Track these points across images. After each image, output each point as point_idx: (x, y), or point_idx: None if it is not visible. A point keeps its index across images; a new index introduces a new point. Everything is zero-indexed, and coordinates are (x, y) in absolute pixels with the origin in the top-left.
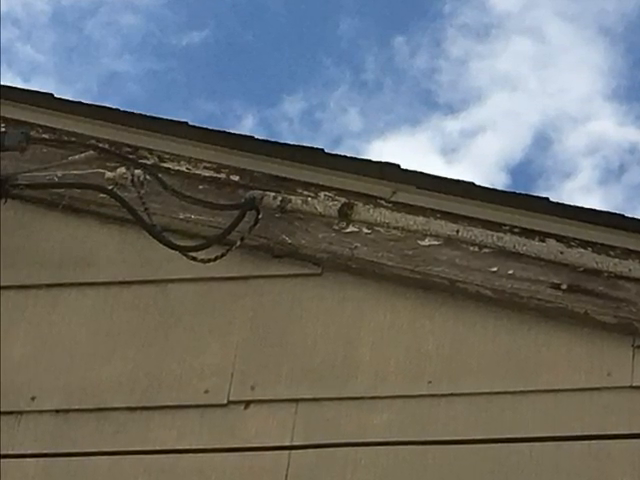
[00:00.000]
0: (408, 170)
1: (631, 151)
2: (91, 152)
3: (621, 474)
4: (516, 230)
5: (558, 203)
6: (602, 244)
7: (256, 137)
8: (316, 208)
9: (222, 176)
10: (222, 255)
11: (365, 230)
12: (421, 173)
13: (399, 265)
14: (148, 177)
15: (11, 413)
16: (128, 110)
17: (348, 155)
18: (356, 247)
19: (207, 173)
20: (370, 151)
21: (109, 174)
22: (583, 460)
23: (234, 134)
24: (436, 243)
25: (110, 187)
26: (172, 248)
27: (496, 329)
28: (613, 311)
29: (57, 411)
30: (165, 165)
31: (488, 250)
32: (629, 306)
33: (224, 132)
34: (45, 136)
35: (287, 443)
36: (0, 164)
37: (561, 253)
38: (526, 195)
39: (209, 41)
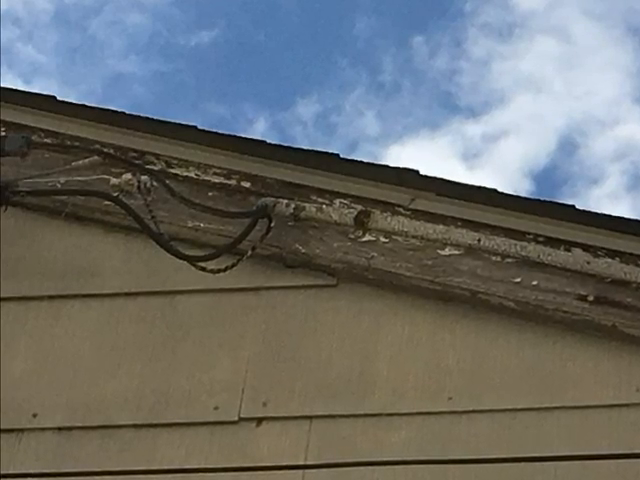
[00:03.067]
0: (427, 176)
1: None
2: (95, 157)
3: None
4: (540, 239)
5: (584, 211)
6: (630, 254)
7: (268, 142)
8: (331, 216)
9: (232, 182)
10: (233, 265)
11: (382, 239)
12: (441, 179)
13: (418, 276)
14: (155, 183)
15: (12, 431)
16: (134, 113)
17: (364, 160)
18: (373, 257)
19: (217, 179)
20: (387, 156)
21: (114, 180)
22: None
23: (245, 138)
24: (457, 253)
25: (115, 194)
26: (180, 258)
27: (520, 343)
28: None
29: (60, 429)
30: (173, 171)
31: (511, 260)
32: None
33: (235, 136)
34: (47, 141)
35: (301, 462)
36: (0, 170)
37: (588, 263)
38: (551, 202)
39: (219, 41)
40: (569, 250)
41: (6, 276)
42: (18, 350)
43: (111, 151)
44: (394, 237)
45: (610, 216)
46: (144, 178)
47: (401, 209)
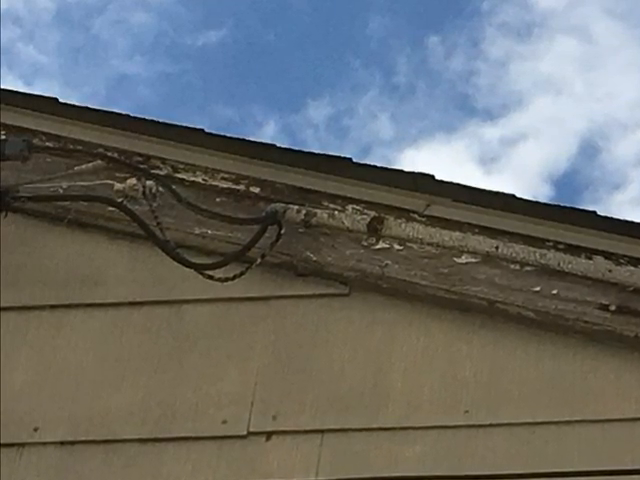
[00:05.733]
0: (443, 181)
1: None
2: (99, 162)
3: None
4: (561, 246)
5: (606, 217)
6: None
7: (278, 145)
8: (343, 222)
9: (241, 188)
10: (241, 273)
11: (396, 246)
12: (457, 185)
13: (433, 284)
14: (161, 189)
15: (12, 445)
16: (139, 116)
17: (378, 165)
18: (387, 265)
19: (225, 184)
20: (402, 161)
21: (118, 185)
22: None
23: (254, 142)
24: (474, 260)
25: (120, 200)
26: (187, 266)
27: (539, 354)
28: None
29: (62, 443)
30: (179, 176)
31: (530, 268)
32: None
33: (243, 140)
34: (49, 144)
35: (312, 477)
36: (0, 174)
37: (609, 271)
38: (571, 208)
39: (227, 41)
40: (590, 258)
41: (6, 285)
42: (19, 361)
43: (115, 155)
44: (409, 244)
45: (633, 223)
46: (149, 183)
47: (416, 215)
